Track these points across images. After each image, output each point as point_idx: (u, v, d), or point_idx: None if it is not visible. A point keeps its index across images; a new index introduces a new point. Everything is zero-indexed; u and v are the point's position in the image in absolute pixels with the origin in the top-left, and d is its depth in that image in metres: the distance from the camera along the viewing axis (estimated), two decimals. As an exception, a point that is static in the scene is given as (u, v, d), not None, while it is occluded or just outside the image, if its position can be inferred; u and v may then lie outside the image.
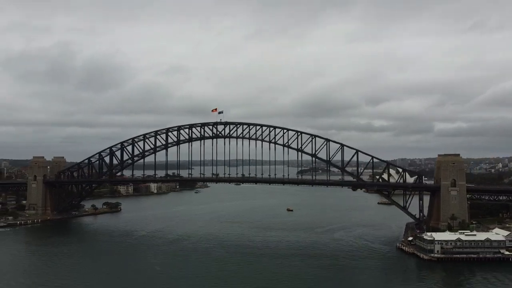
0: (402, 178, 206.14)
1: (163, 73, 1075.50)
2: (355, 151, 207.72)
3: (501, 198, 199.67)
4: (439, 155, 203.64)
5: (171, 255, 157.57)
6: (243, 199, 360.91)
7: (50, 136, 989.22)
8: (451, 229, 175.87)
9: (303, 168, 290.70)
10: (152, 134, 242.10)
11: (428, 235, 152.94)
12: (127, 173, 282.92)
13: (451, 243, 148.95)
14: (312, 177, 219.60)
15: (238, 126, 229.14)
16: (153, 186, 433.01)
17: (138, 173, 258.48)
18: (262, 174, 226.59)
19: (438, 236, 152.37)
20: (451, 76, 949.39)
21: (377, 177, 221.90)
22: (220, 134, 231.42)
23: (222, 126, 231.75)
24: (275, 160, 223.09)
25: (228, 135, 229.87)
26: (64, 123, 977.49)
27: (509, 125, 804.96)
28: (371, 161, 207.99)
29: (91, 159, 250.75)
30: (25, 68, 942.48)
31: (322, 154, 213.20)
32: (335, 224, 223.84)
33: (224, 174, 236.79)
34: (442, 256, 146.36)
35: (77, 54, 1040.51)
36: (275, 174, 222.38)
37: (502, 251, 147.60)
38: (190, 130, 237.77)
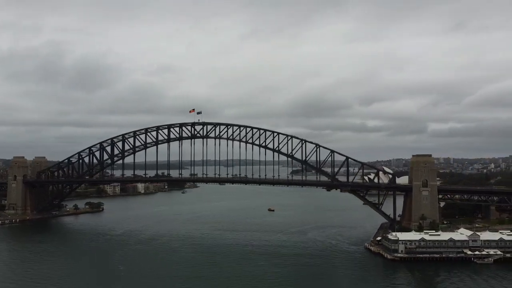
0: (376, 178, 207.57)
1: (157, 73, 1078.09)
2: (331, 151, 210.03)
3: (473, 198, 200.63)
4: (413, 156, 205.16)
5: (139, 254, 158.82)
6: (229, 200, 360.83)
7: (45, 136, 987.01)
8: (421, 229, 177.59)
9: (293, 169, 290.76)
10: (131, 134, 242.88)
11: (393, 235, 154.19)
12: (117, 173, 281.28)
13: (415, 243, 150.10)
14: (291, 177, 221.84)
15: (216, 126, 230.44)
16: (141, 186, 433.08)
17: (129, 173, 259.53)
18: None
19: (402, 236, 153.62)
20: (450, 76, 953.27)
21: (366, 178, 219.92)
22: (197, 135, 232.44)
23: (200, 126, 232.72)
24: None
25: (206, 135, 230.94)
26: (59, 122, 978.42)
27: (503, 125, 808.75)
28: (346, 161, 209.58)
29: (71, 159, 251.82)
30: (15, 68, 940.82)
31: (299, 155, 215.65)
32: (312, 224, 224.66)
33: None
34: (405, 256, 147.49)
35: (69, 53, 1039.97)
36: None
37: (465, 250, 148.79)
38: (168, 131, 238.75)
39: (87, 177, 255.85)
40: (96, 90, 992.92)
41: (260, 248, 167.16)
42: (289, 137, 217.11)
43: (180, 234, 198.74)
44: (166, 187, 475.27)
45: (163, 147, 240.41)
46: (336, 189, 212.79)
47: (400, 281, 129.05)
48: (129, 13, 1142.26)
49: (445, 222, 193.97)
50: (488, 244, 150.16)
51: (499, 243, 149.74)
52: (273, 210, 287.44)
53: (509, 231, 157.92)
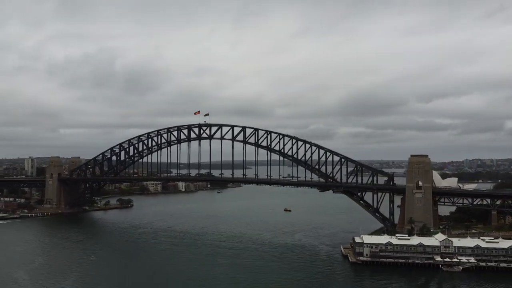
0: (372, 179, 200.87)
1: (206, 74, 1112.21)
2: (329, 152, 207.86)
3: (473, 202, 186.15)
4: (411, 156, 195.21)
5: (129, 244, 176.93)
6: (252, 199, 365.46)
7: (116, 138, 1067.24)
8: (411, 233, 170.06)
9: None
10: (145, 136, 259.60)
11: (359, 238, 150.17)
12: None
13: (381, 247, 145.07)
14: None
15: (219, 128, 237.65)
16: (181, 185, 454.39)
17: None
18: (256, 175, 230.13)
19: (368, 239, 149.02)
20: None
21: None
22: (204, 135, 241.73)
23: (215, 128, 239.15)
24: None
25: (211, 136, 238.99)
26: (123, 125, 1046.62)
27: None
28: (340, 161, 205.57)
29: (97, 158, 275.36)
30: (70, 75, 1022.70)
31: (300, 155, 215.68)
32: (310, 225, 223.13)
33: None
34: (368, 260, 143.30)
35: (119, 59, 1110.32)
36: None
37: (436, 257, 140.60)
38: (178, 132, 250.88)
39: (112, 175, 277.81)
40: (147, 93, 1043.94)
41: (241, 245, 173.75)
42: (281, 136, 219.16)
43: (177, 229, 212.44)
44: (208, 186, 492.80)
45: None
46: (329, 190, 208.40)
47: (347, 286, 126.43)
48: (177, 18, 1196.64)
49: (440, 227, 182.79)
50: (463, 251, 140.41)
51: (474, 251, 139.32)
52: (289, 211, 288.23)
53: (491, 238, 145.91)
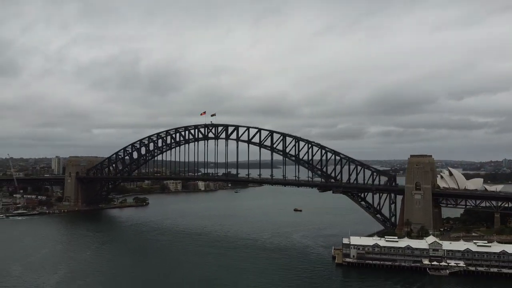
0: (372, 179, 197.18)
1: (230, 75, 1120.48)
2: (328, 150, 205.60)
3: (474, 204, 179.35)
4: (411, 156, 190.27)
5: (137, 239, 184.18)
6: (271, 198, 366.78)
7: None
8: (409, 235, 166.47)
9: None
10: (155, 136, 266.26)
11: (346, 239, 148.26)
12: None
13: (368, 248, 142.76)
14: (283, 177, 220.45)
15: (224, 128, 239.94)
16: (201, 184, 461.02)
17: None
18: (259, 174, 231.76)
19: (355, 240, 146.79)
20: None
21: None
22: (210, 135, 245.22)
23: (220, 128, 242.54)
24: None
25: (217, 136, 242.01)
26: (152, 124, 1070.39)
27: None
28: (340, 161, 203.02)
29: (111, 158, 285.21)
30: (96, 76, 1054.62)
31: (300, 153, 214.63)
32: (311, 226, 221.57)
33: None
34: (354, 261, 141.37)
35: (143, 60, 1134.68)
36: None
37: (424, 260, 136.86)
38: (186, 132, 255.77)
39: (126, 174, 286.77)
40: (169, 93, 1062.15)
41: (237, 241, 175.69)
42: (283, 136, 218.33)
43: (181, 227, 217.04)
44: (229, 185, 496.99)
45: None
46: (329, 190, 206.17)
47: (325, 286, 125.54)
48: (194, 18, 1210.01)
49: (441, 229, 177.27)
50: (452, 254, 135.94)
51: (465, 254, 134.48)
52: (300, 211, 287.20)
53: (485, 241, 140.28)
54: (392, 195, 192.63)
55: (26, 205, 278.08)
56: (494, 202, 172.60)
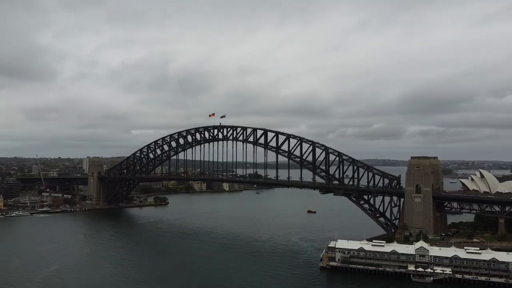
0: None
1: (260, 75, 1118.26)
2: (331, 152, 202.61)
3: (476, 208, 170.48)
4: (411, 157, 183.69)
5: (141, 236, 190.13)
6: (289, 199, 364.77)
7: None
8: (407, 239, 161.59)
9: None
10: (168, 138, 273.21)
11: (332, 242, 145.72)
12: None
13: (353, 252, 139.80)
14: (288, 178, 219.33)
15: (234, 129, 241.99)
16: (225, 184, 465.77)
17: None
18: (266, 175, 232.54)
19: (341, 244, 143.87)
20: None
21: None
22: (216, 137, 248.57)
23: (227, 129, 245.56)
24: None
25: (225, 138, 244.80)
26: (187, 125, 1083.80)
27: None
28: (342, 162, 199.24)
29: (130, 158, 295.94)
30: (127, 79, 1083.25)
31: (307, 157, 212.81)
32: (317, 227, 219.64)
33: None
34: (338, 265, 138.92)
35: (172, 63, 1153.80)
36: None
37: (410, 266, 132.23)
38: (198, 134, 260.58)
39: (143, 174, 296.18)
40: (200, 95, 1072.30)
41: (233, 241, 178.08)
42: (286, 137, 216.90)
43: (192, 226, 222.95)
44: (254, 185, 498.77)
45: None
46: (331, 192, 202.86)
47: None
48: (222, 18, 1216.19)
49: (442, 234, 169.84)
50: (439, 261, 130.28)
51: (452, 261, 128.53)
52: (314, 212, 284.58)
53: (476, 248, 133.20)
54: (396, 198, 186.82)
55: (52, 203, 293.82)
56: (499, 207, 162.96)
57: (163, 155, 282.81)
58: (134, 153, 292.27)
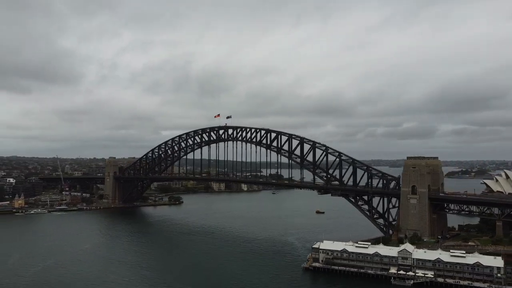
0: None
1: (283, 74, 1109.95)
2: (331, 152, 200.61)
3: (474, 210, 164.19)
4: (407, 158, 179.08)
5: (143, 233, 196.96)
6: (301, 200, 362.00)
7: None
8: (402, 242, 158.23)
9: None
10: (177, 139, 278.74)
11: (317, 243, 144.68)
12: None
13: (336, 254, 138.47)
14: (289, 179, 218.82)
15: (240, 130, 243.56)
16: (244, 184, 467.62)
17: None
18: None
19: (325, 245, 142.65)
20: None
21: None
22: (221, 138, 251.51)
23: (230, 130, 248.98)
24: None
25: (226, 139, 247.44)
26: (210, 125, 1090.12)
27: None
28: (340, 162, 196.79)
29: (142, 158, 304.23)
30: (150, 81, 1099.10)
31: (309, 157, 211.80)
32: (318, 228, 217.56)
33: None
34: (320, 266, 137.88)
35: (193, 64, 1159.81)
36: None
37: (392, 268, 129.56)
38: (207, 134, 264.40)
39: (156, 174, 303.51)
40: (221, 95, 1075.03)
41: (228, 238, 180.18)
42: (289, 137, 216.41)
43: (197, 224, 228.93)
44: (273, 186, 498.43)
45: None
46: (329, 193, 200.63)
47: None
48: (241, 19, 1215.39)
49: (439, 237, 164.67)
50: (422, 264, 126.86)
51: (435, 265, 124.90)
52: (322, 213, 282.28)
53: (463, 252, 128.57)
54: (395, 199, 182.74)
55: (70, 201, 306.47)
56: (499, 209, 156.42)
57: (174, 156, 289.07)
58: (146, 154, 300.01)
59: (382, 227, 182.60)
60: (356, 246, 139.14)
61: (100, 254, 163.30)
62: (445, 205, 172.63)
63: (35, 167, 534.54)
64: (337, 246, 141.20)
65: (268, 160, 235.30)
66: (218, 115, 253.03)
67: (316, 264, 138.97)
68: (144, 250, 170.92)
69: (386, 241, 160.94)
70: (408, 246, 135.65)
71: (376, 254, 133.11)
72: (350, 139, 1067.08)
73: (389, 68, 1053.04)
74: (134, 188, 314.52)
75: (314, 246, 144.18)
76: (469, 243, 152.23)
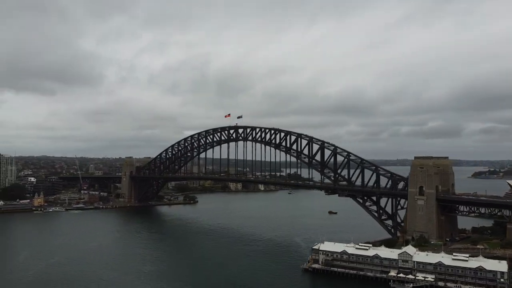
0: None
1: (304, 73, 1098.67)
2: (339, 152, 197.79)
3: (484, 212, 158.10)
4: (415, 158, 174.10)
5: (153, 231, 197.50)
6: (317, 200, 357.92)
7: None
8: (408, 243, 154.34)
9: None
10: (189, 138, 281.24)
11: (317, 244, 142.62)
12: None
13: (336, 255, 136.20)
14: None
15: (250, 129, 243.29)
16: (261, 184, 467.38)
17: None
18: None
19: (326, 246, 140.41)
20: None
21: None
22: (232, 137, 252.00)
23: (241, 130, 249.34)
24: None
25: (236, 138, 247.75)
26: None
27: None
28: (349, 162, 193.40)
29: (157, 158, 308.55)
30: (169, 82, 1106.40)
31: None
32: (329, 228, 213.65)
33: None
34: (320, 268, 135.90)
35: (211, 64, 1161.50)
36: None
37: (392, 271, 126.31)
38: (219, 134, 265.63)
39: (170, 174, 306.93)
40: (239, 96, 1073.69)
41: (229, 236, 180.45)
42: (298, 136, 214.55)
43: (200, 223, 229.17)
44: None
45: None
46: (336, 194, 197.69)
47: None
48: (258, 19, 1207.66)
49: (447, 240, 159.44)
50: (423, 267, 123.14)
51: (437, 268, 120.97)
52: (335, 213, 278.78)
53: (466, 255, 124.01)
54: (404, 200, 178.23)
55: (88, 200, 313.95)
56: (508, 211, 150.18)
57: (187, 155, 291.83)
58: (160, 154, 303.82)
59: (390, 228, 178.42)
60: (357, 248, 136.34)
61: (105, 252, 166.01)
62: (457, 207, 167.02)
63: (61, 166, 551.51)
64: (337, 247, 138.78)
65: (288, 160, 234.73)
66: (229, 114, 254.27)
67: (316, 266, 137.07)
68: (147, 249, 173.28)
69: (393, 243, 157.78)
70: (409, 249, 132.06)
71: (376, 256, 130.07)
72: (373, 138, 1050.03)
73: (410, 66, 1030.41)
74: (149, 187, 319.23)
75: (314, 247, 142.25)
76: (478, 246, 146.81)
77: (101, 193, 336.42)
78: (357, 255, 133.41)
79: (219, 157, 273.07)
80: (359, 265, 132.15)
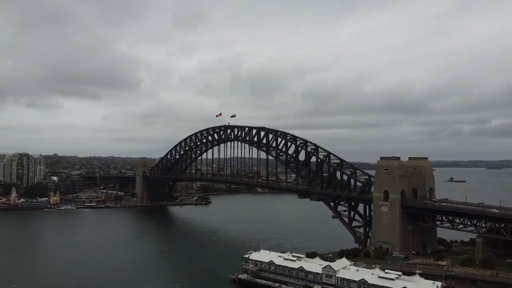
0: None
1: (346, 70, 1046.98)
2: (320, 151, 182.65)
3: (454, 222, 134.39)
4: (380, 158, 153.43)
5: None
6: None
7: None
8: (368, 256, 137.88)
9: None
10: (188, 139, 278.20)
11: (249, 252, 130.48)
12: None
13: (264, 266, 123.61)
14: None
15: (241, 129, 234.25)
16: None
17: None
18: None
19: (256, 255, 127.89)
20: None
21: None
22: (222, 138, 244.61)
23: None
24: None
25: (225, 139, 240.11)
26: (279, 126, 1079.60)
27: None
28: (322, 162, 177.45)
29: (163, 159, 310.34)
30: (202, 83, 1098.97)
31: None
32: (314, 234, 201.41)
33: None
34: (245, 279, 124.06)
35: (245, 64, 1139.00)
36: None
37: (316, 286, 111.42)
38: (216, 134, 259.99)
39: (179, 174, 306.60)
40: (274, 95, 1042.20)
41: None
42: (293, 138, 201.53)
43: (201, 224, 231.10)
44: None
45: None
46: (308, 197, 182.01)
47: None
48: (289, 16, 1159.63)
49: (413, 252, 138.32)
50: (347, 284, 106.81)
51: (360, 285, 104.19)
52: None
53: (399, 273, 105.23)
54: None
55: (103, 199, 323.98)
56: (478, 222, 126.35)
57: (192, 155, 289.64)
58: (166, 155, 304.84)
59: (361, 236, 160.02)
60: (285, 258, 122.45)
61: (76, 250, 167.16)
62: (431, 216, 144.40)
63: (114, 166, 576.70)
64: (267, 256, 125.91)
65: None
66: (220, 114, 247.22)
67: (242, 276, 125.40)
68: (117, 249, 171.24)
69: (357, 254, 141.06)
70: (339, 262, 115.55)
71: (301, 269, 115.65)
72: (431, 138, 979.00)
73: (463, 58, 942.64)
74: (160, 187, 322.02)
75: (245, 255, 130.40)
76: (440, 262, 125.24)
77: (119, 193, 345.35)
78: (283, 267, 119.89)
79: (219, 157, 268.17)
80: (285, 278, 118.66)
